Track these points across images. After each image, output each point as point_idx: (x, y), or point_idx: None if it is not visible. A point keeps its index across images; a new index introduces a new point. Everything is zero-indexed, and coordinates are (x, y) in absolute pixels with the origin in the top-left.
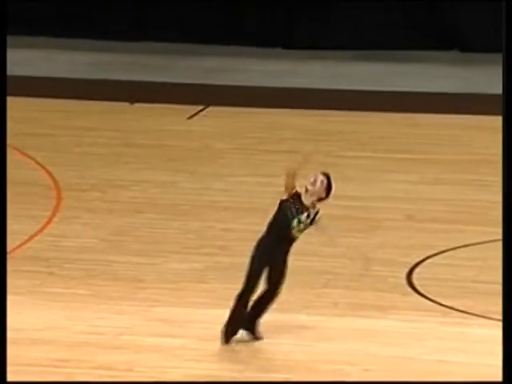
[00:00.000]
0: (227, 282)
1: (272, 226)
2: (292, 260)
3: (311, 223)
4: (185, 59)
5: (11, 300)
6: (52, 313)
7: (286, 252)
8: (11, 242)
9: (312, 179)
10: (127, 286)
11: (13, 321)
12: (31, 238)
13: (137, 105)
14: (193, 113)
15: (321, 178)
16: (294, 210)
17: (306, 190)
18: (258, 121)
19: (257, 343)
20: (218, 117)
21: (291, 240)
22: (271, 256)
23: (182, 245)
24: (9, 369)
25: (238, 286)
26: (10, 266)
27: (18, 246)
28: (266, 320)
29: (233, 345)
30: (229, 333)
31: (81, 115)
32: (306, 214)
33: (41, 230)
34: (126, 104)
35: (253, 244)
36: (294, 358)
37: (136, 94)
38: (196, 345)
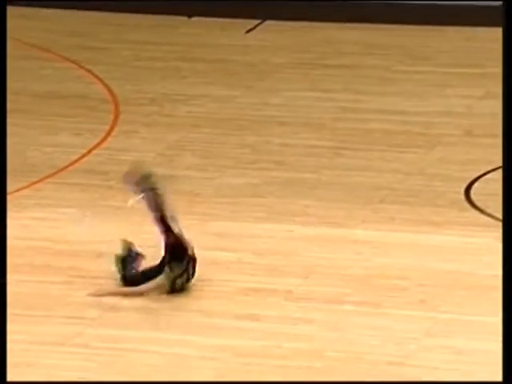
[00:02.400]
0: (283, 196)
1: None
2: (349, 175)
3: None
4: None
5: (70, 213)
6: (111, 226)
7: None
8: (69, 156)
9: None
10: (184, 199)
11: (72, 234)
12: (89, 151)
13: (194, 19)
14: (250, 27)
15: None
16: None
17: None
18: (316, 35)
19: (313, 258)
20: (275, 31)
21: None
22: None
23: (239, 159)
24: (72, 280)
25: (293, 201)
26: (69, 179)
27: (77, 160)
28: (322, 234)
29: (289, 259)
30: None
31: (137, 29)
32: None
33: (99, 144)
34: (184, 18)
35: (310, 159)
36: (350, 273)
37: (193, 7)
38: (252, 259)
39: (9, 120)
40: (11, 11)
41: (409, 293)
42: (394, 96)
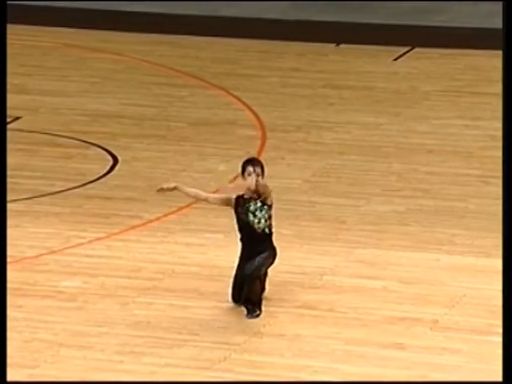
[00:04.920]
0: (429, 225)
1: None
2: (497, 204)
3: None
4: None
5: (210, 238)
6: None
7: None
8: (216, 182)
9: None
10: (330, 226)
11: (219, 259)
12: (235, 178)
13: (342, 46)
14: (398, 54)
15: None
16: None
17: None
18: (465, 63)
19: (460, 288)
20: (424, 58)
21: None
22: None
23: (385, 187)
24: (218, 305)
25: (440, 230)
26: (211, 205)
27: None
28: (469, 264)
29: (435, 288)
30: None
31: (285, 56)
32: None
33: None
34: (331, 45)
35: (457, 188)
36: (498, 303)
37: (340, 35)
38: (397, 287)
39: (162, 146)
40: (162, 38)
41: None
42: None
